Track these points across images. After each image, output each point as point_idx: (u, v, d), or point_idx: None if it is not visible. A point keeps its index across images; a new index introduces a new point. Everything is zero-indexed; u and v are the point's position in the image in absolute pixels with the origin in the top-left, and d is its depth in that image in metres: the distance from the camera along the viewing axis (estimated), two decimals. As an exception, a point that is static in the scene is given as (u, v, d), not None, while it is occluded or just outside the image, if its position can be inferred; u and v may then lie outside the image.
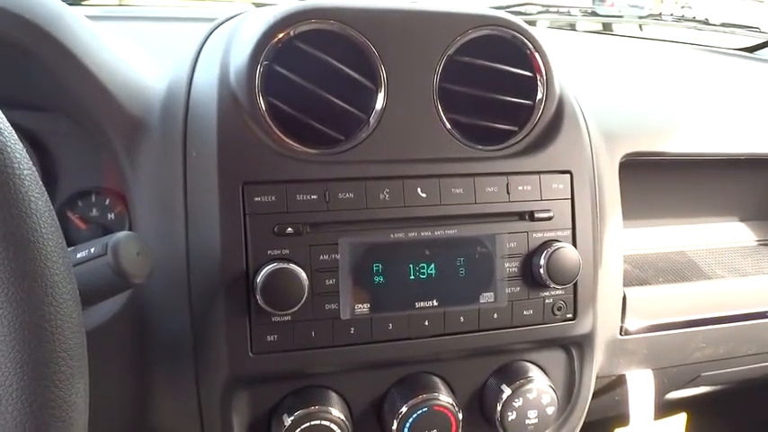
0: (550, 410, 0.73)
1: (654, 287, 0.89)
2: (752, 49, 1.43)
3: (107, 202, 0.78)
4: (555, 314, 0.72)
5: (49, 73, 0.65)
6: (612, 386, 0.95)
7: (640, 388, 0.92)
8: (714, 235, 1.07)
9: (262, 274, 0.61)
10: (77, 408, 0.39)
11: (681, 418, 1.00)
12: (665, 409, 1.06)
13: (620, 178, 0.85)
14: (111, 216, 0.77)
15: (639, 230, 1.04)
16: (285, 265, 0.61)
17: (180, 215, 0.66)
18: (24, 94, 0.72)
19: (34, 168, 0.40)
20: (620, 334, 0.86)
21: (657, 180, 1.02)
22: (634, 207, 0.95)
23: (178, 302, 0.65)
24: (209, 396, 0.66)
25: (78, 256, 0.53)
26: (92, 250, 0.52)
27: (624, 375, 0.92)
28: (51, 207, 0.40)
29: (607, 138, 0.85)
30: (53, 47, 0.64)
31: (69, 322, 0.39)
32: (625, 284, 0.86)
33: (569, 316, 0.73)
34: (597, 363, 0.81)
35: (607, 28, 1.56)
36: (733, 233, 1.09)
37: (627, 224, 0.88)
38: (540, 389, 0.72)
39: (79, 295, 0.41)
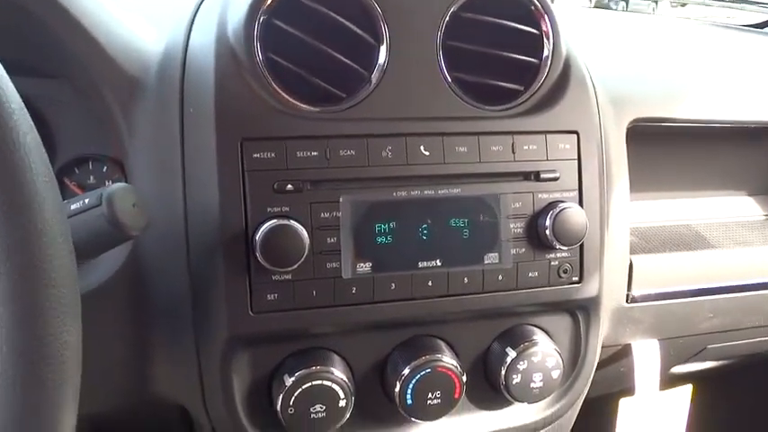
0: (556, 374, 0.72)
1: (661, 255, 0.88)
2: (762, 26, 1.41)
3: (104, 168, 0.77)
4: (561, 277, 0.71)
5: (46, 33, 0.64)
6: (618, 356, 0.94)
7: (646, 358, 0.91)
8: (721, 209, 1.06)
9: (261, 230, 0.59)
10: (70, 346, 0.37)
11: (686, 390, 0.99)
12: (670, 382, 1.05)
13: (626, 149, 0.84)
14: (108, 183, 0.76)
15: (645, 203, 1.02)
16: (285, 222, 0.60)
17: (177, 174, 0.64)
18: (21, 56, 0.71)
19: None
20: (627, 302, 0.85)
21: (664, 152, 1.00)
22: (640, 179, 0.93)
23: (176, 262, 0.64)
24: (208, 357, 0.65)
25: (72, 207, 0.51)
26: (86, 201, 0.51)
27: (630, 345, 0.91)
28: (44, 152, 0.39)
29: (615, 103, 0.83)
30: (51, 6, 0.63)
31: (60, 261, 0.38)
32: (631, 254, 0.85)
33: (575, 279, 0.72)
34: (603, 329, 0.80)
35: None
36: (740, 207, 1.07)
37: (632, 197, 0.86)
38: (545, 352, 0.71)
39: (74, 247, 0.40)
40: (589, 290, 0.73)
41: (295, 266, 0.61)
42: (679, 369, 1.12)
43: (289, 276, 0.62)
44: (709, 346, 1.02)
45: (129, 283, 0.65)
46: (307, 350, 0.67)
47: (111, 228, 0.51)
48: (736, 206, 1.07)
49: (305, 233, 0.60)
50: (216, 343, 0.63)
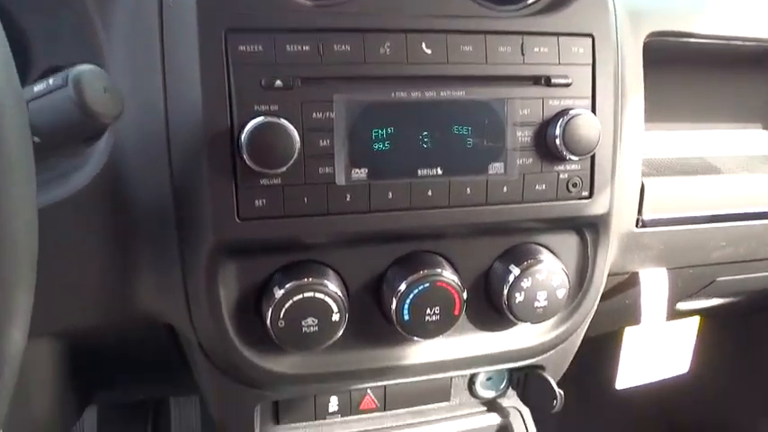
0: (561, 293, 0.68)
1: (675, 178, 0.83)
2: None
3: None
4: (570, 191, 0.66)
5: None
6: (624, 286, 0.90)
7: (653, 287, 0.87)
8: (736, 142, 1.00)
9: (248, 127, 0.55)
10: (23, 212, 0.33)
11: (693, 321, 0.96)
12: (677, 316, 1.02)
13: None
14: None
15: (657, 134, 0.97)
16: (274, 119, 0.55)
17: (157, 70, 0.59)
18: None
19: None
20: (636, 226, 0.81)
21: (680, 79, 0.94)
22: (653, 107, 0.88)
23: (157, 166, 0.60)
24: (193, 267, 0.61)
25: (36, 89, 0.47)
26: (50, 82, 0.46)
27: (637, 274, 0.87)
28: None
29: (632, 14, 0.77)
30: None
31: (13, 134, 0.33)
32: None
33: (585, 194, 0.67)
34: (612, 251, 0.76)
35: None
36: (756, 141, 1.02)
37: (645, 126, 0.81)
38: (550, 270, 0.67)
39: (39, 132, 0.36)
40: (599, 206, 0.68)
41: (284, 169, 0.56)
42: (684, 306, 1.09)
43: (278, 181, 0.58)
44: (719, 279, 0.98)
45: (107, 191, 0.61)
46: (298, 263, 0.63)
47: (79, 112, 0.46)
48: (750, 139, 1.02)
49: (295, 133, 0.56)
50: (201, 252, 0.59)
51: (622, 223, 0.79)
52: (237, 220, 0.58)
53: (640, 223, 0.81)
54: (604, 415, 1.81)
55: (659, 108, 0.90)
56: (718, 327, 1.16)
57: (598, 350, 0.98)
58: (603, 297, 0.93)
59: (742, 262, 0.93)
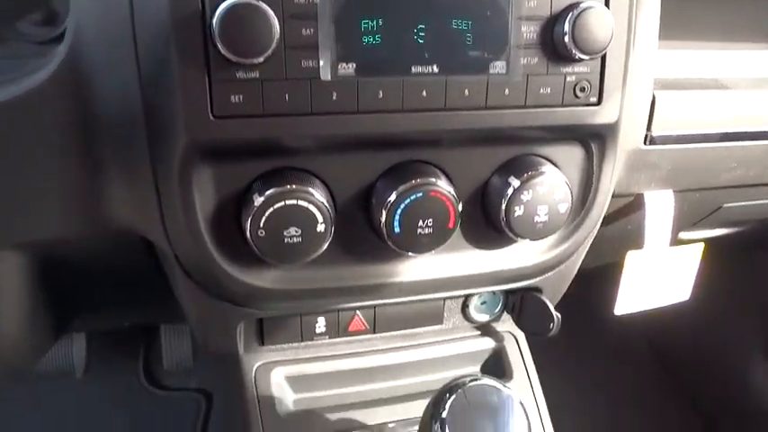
0: (563, 208, 0.64)
1: (688, 92, 0.77)
2: None
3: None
4: (577, 96, 0.61)
5: None
6: (628, 209, 0.86)
7: (659, 210, 0.83)
8: (753, 63, 0.94)
9: (220, 9, 0.49)
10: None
11: (697, 247, 0.92)
12: (681, 243, 0.98)
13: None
14: None
15: (669, 53, 0.90)
16: (250, 0, 0.49)
17: None
18: None
19: None
20: (645, 143, 0.76)
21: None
22: (667, 22, 0.81)
23: (123, 56, 0.54)
24: (165, 172, 0.56)
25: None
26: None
27: (642, 196, 0.83)
28: None
29: None
30: None
31: None
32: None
33: (593, 100, 0.62)
34: (618, 167, 0.71)
35: None
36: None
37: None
38: (552, 182, 0.62)
39: None
40: (607, 114, 0.63)
41: (262, 60, 0.50)
42: (687, 235, 1.05)
43: (256, 74, 0.52)
44: (725, 205, 0.94)
45: (68, 87, 0.55)
46: (281, 170, 0.58)
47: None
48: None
49: (274, 19, 0.50)
50: (172, 153, 0.54)
51: (630, 139, 0.74)
52: (212, 117, 0.52)
53: (649, 140, 0.75)
54: (595, 344, 1.82)
55: (673, 23, 0.84)
56: (718, 260, 1.13)
57: (598, 276, 0.94)
58: (606, 221, 0.89)
59: (750, 186, 0.88)
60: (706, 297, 1.73)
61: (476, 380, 0.55)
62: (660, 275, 0.89)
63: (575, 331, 1.68)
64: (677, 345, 1.84)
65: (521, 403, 0.55)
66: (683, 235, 1.05)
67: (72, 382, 1.56)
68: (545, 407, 0.80)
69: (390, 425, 0.73)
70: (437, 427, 0.53)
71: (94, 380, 1.58)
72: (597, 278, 0.95)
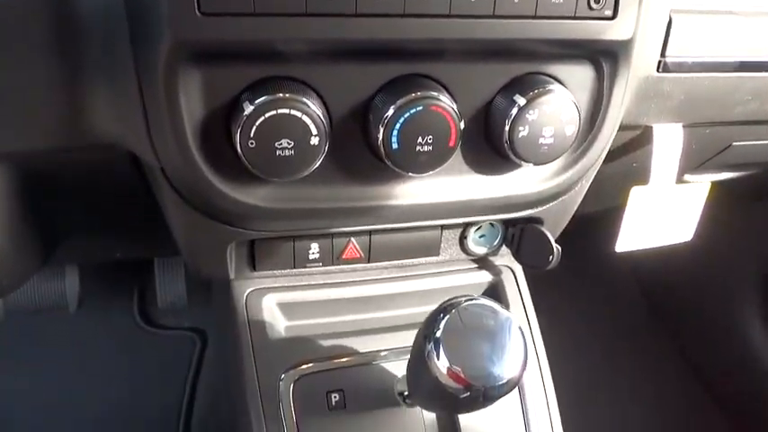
0: (570, 130, 0.61)
1: (706, 16, 0.73)
2: None
3: None
4: (591, 7, 0.57)
5: None
6: (635, 143, 0.83)
7: (667, 143, 0.80)
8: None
9: None
10: None
11: (704, 186, 0.90)
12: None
13: None
14: None
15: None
16: None
17: None
18: None
19: None
20: (658, 70, 0.72)
21: None
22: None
23: None
24: (150, 76, 0.52)
25: None
26: None
27: (651, 129, 0.80)
28: None
29: None
30: None
31: None
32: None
33: (608, 13, 0.58)
34: (630, 89, 0.67)
35: None
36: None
37: None
38: (560, 102, 0.59)
39: None
40: (622, 30, 0.59)
41: None
42: (693, 178, 1.02)
43: (246, -33, 0.48)
44: (735, 144, 0.91)
45: None
46: (274, 78, 0.54)
47: None
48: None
49: None
50: (157, 55, 0.51)
51: (642, 65, 0.70)
52: (198, 13, 0.48)
53: (662, 66, 0.72)
54: (591, 287, 1.82)
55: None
56: (718, 207, 1.10)
57: (601, 209, 0.92)
58: (611, 157, 0.86)
59: (763, 123, 0.85)
60: (705, 244, 1.73)
61: (472, 300, 0.53)
62: (664, 213, 0.87)
63: (573, 272, 1.69)
64: (672, 292, 1.85)
65: (519, 328, 0.53)
66: (689, 177, 1.02)
67: (67, 321, 1.56)
68: (541, 342, 0.79)
69: (383, 353, 0.71)
70: (431, 346, 0.51)
71: (89, 317, 1.58)
72: (598, 217, 0.93)
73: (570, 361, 1.50)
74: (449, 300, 0.54)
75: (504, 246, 0.80)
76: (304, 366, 0.69)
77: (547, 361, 0.77)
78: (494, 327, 0.52)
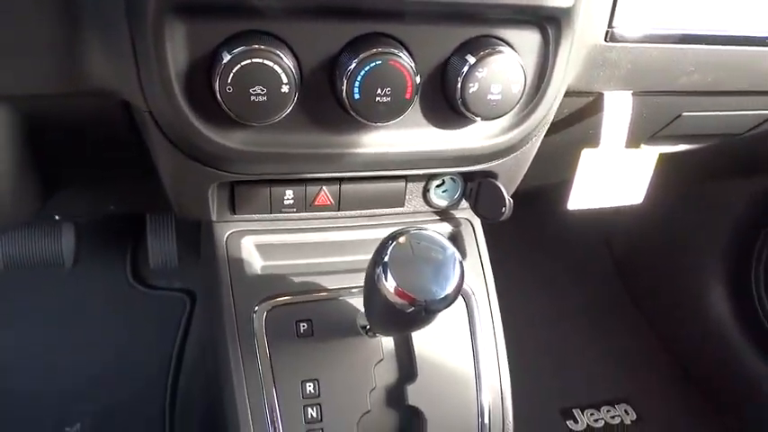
0: (516, 88, 0.68)
1: (652, -10, 0.80)
2: None
3: None
4: None
5: None
6: (588, 110, 0.90)
7: (616, 109, 0.87)
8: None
9: None
10: None
11: (653, 153, 0.97)
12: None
13: None
14: None
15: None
16: None
17: None
18: None
19: None
20: (606, 39, 0.79)
21: None
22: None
23: None
24: (140, 27, 0.59)
25: None
26: None
27: (602, 96, 0.87)
28: None
29: None
30: None
31: None
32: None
33: None
34: (577, 61, 0.75)
35: None
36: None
37: None
38: (507, 62, 0.66)
39: None
40: None
41: None
42: (651, 148, 1.10)
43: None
44: (685, 114, 0.98)
45: None
46: (250, 32, 0.61)
47: None
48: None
49: None
50: (145, 6, 0.57)
51: (590, 34, 0.77)
52: None
53: (609, 36, 0.79)
54: (551, 235, 1.91)
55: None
56: (678, 166, 1.18)
57: (553, 170, 0.99)
58: (568, 122, 0.93)
59: (708, 94, 0.92)
60: (677, 219, 1.81)
61: (416, 229, 0.61)
62: (614, 176, 0.94)
63: (529, 222, 1.78)
64: (643, 265, 1.93)
65: (455, 257, 0.61)
66: (645, 148, 1.09)
67: (63, 277, 1.63)
68: (494, 290, 0.87)
69: (348, 290, 0.79)
70: (379, 270, 0.59)
71: (84, 275, 1.66)
72: (557, 166, 0.99)
73: (527, 309, 1.60)
74: (398, 229, 0.61)
75: (463, 200, 0.88)
76: (277, 299, 0.77)
77: (498, 307, 0.84)
78: (433, 252, 0.59)
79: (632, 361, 1.77)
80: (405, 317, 0.59)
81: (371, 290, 0.61)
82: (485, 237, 0.89)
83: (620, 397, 1.68)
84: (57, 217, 1.55)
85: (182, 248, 1.65)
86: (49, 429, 1.45)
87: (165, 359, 1.59)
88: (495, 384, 0.80)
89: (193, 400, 1.47)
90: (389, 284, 0.58)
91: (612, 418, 1.63)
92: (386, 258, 0.59)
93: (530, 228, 1.93)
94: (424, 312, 0.58)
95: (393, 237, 0.60)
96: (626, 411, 1.65)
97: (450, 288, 0.57)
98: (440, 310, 0.58)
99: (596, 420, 1.62)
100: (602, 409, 1.65)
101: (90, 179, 0.98)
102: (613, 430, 1.61)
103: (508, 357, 0.85)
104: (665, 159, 1.16)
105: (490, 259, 0.88)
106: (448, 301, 0.58)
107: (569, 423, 1.61)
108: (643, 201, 2.02)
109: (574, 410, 1.63)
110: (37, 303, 1.61)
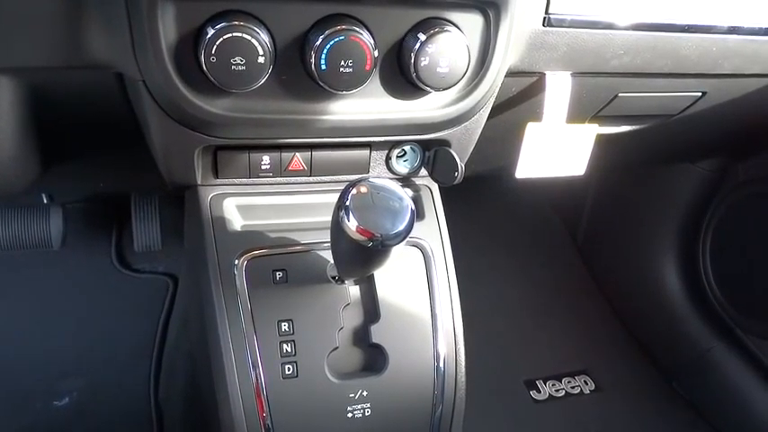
0: (461, 63, 0.79)
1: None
2: None
3: None
4: None
5: None
6: (534, 89, 1.01)
7: (556, 88, 0.98)
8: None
9: None
10: None
11: (592, 128, 1.09)
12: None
13: None
14: None
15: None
16: None
17: None
18: None
19: None
20: (543, 24, 0.90)
21: None
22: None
23: None
24: (136, 7, 0.69)
25: None
26: None
27: (544, 76, 0.98)
28: None
29: None
30: None
31: None
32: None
33: None
34: (520, 43, 0.86)
35: None
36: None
37: None
38: (453, 40, 0.77)
39: None
40: None
41: None
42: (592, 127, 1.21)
43: None
44: (621, 94, 1.10)
45: None
46: (231, 11, 0.71)
47: None
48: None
49: None
50: None
51: (529, 19, 0.88)
52: None
53: (546, 21, 0.90)
54: (515, 220, 2.03)
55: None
56: (616, 145, 1.30)
57: (501, 144, 1.10)
58: (516, 100, 1.05)
59: (640, 75, 1.04)
60: (632, 199, 1.94)
61: (372, 178, 0.72)
62: (556, 148, 1.06)
63: (484, 190, 1.90)
64: (600, 241, 2.06)
65: (411, 209, 0.71)
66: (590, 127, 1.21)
67: (48, 260, 1.71)
68: (450, 250, 0.97)
69: (320, 244, 0.89)
70: (342, 213, 0.69)
71: (69, 258, 1.73)
72: (504, 140, 1.11)
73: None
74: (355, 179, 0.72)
75: (422, 168, 0.99)
76: (255, 252, 0.87)
77: (453, 266, 0.95)
78: (388, 196, 0.70)
79: (592, 335, 1.89)
80: (365, 252, 0.70)
81: (337, 232, 0.71)
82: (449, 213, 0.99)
83: (580, 369, 1.80)
84: (45, 200, 1.63)
85: (165, 233, 1.73)
86: (39, 404, 1.52)
87: (149, 337, 1.67)
88: (449, 327, 0.91)
89: (176, 374, 1.56)
90: (352, 224, 0.68)
91: (573, 388, 1.75)
92: (348, 203, 0.69)
93: (494, 210, 2.06)
94: (381, 245, 0.68)
95: (355, 183, 0.71)
96: (585, 382, 1.77)
97: (402, 226, 0.68)
98: (394, 245, 0.69)
99: (558, 390, 1.73)
100: (564, 380, 1.76)
101: (83, 151, 1.07)
102: (574, 399, 1.73)
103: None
104: (613, 141, 1.29)
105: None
106: (401, 236, 0.68)
107: (533, 393, 1.72)
108: (600, 180, 2.16)
109: (537, 381, 1.74)
110: (23, 283, 1.68)
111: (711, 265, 1.77)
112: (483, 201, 2.07)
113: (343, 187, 0.90)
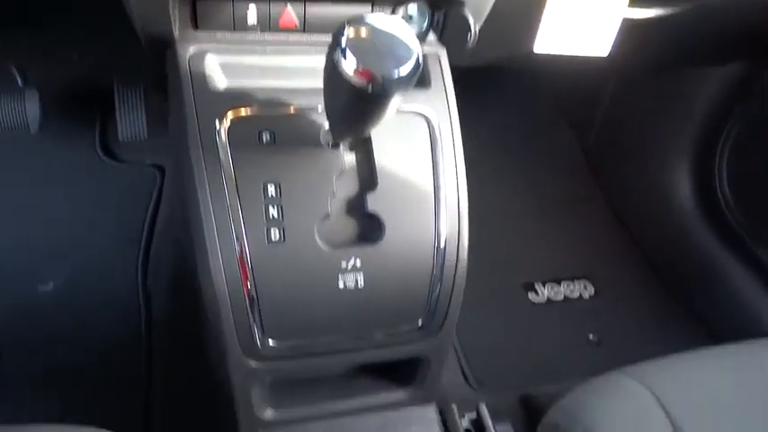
0: None
1: None
2: None
3: None
4: None
5: None
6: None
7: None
8: None
9: None
10: None
11: (621, 2, 0.97)
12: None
13: None
14: None
15: None
16: None
17: None
18: None
19: None
20: None
21: None
22: None
23: None
24: None
25: None
26: None
27: None
28: None
29: None
30: None
31: None
32: None
33: None
34: None
35: None
36: None
37: None
38: None
39: None
40: None
41: None
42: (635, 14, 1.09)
43: None
44: None
45: None
46: None
47: None
48: None
49: None
50: None
51: None
52: None
53: None
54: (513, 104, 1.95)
55: None
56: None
57: (521, 20, 0.99)
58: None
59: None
60: (648, 108, 1.84)
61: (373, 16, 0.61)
62: (580, 21, 0.95)
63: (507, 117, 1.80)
64: (605, 149, 1.98)
65: (419, 52, 0.61)
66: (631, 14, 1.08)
67: (29, 146, 1.62)
68: (457, 122, 0.88)
69: (314, 107, 0.79)
70: (338, 53, 0.59)
71: (50, 145, 1.64)
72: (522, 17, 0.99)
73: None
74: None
75: (431, 33, 0.88)
76: (239, 110, 0.77)
77: (460, 132, 0.86)
78: (389, 34, 0.60)
79: (595, 242, 1.84)
80: (366, 96, 0.60)
81: (332, 76, 0.61)
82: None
83: (581, 274, 1.76)
84: (21, 84, 1.52)
85: (151, 125, 1.63)
86: (24, 286, 1.47)
87: (137, 227, 1.61)
88: (453, 201, 0.82)
89: (164, 261, 1.51)
90: (349, 65, 0.58)
91: (572, 291, 1.71)
92: (343, 44, 0.59)
93: (502, 112, 1.95)
94: (381, 89, 0.58)
95: (354, 19, 0.60)
96: (585, 286, 1.73)
97: (406, 70, 0.58)
98: (397, 90, 0.59)
99: (556, 293, 1.70)
100: (563, 283, 1.72)
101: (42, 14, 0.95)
102: (572, 303, 1.69)
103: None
104: (640, 29, 1.17)
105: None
106: (404, 82, 0.59)
107: (531, 295, 1.68)
108: (616, 86, 2.04)
109: (535, 284, 1.70)
110: (4, 171, 1.60)
111: (728, 175, 1.69)
112: (490, 102, 1.96)
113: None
